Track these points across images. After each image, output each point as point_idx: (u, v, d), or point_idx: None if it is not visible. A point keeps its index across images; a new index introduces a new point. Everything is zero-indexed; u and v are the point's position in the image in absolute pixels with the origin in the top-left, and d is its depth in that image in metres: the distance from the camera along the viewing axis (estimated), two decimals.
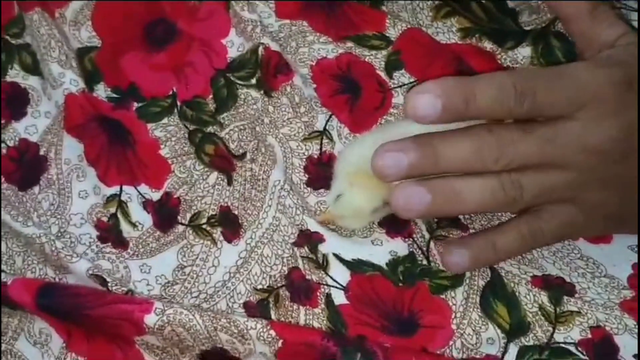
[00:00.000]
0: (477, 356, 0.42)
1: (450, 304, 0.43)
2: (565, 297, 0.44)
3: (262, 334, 0.42)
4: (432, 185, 0.40)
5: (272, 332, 0.42)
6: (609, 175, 0.41)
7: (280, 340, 0.41)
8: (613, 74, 0.41)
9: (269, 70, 0.49)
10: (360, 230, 0.46)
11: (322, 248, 0.45)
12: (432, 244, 0.45)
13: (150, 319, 0.42)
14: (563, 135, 0.40)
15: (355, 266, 0.44)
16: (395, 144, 0.40)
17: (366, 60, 0.50)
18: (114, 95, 0.50)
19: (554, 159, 0.40)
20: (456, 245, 0.42)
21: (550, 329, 0.43)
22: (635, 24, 0.50)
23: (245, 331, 0.42)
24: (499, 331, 0.43)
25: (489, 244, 0.42)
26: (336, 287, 0.44)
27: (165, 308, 0.42)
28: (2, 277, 0.45)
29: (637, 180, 0.42)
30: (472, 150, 0.39)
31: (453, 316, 0.43)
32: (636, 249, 0.46)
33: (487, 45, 0.50)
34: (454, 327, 0.43)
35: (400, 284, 0.44)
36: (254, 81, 0.50)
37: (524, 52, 0.50)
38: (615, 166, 0.41)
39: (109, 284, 0.45)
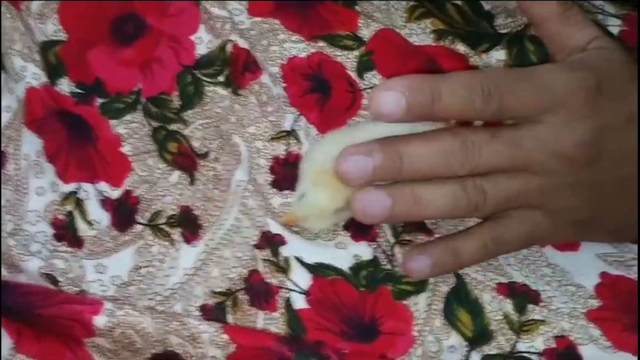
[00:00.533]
0: None
1: (413, 310, 0.42)
2: (530, 306, 0.43)
3: (214, 337, 0.41)
4: (393, 190, 0.39)
5: (225, 336, 0.41)
6: (577, 180, 0.40)
7: (233, 345, 0.40)
8: (583, 78, 0.40)
9: (237, 68, 0.48)
10: (324, 233, 0.45)
11: (284, 251, 0.44)
12: (396, 249, 0.44)
13: (99, 320, 0.41)
14: (530, 139, 0.39)
15: (317, 270, 0.43)
16: (360, 147, 0.39)
17: (337, 60, 0.49)
18: (78, 91, 0.49)
19: (520, 164, 0.39)
20: (417, 251, 0.41)
21: (514, 337, 0.42)
22: (611, 29, 0.49)
23: (197, 334, 0.41)
24: (461, 339, 0.42)
25: (451, 251, 0.41)
26: (297, 291, 0.43)
27: (115, 309, 0.41)
28: None
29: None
30: (437, 155, 0.38)
31: (415, 323, 0.42)
32: (605, 258, 0.45)
33: (461, 47, 0.49)
34: (415, 333, 0.42)
35: (363, 289, 0.43)
36: (221, 78, 0.49)
37: (498, 55, 0.49)
38: (584, 172, 0.40)
39: (61, 284, 0.44)
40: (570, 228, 0.42)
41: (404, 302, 0.43)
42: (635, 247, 0.45)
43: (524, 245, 0.43)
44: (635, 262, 0.44)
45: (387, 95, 0.37)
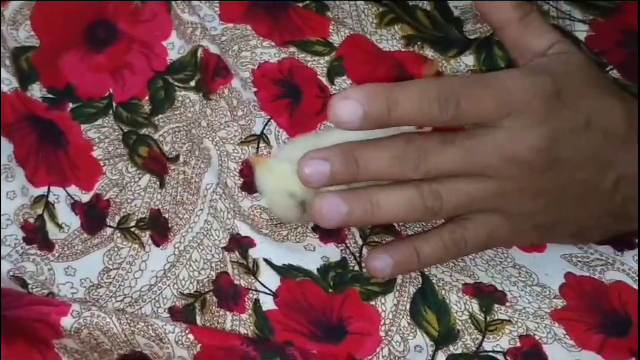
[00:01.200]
0: None
1: (380, 310, 0.43)
2: (496, 306, 0.43)
3: (180, 337, 0.41)
4: (350, 195, 0.40)
5: (191, 336, 0.41)
6: (533, 185, 0.41)
7: (199, 345, 0.40)
8: (541, 83, 0.40)
9: (208, 73, 0.49)
10: (293, 235, 0.45)
11: (253, 253, 0.44)
12: (364, 250, 0.44)
13: (66, 322, 0.41)
14: (485, 143, 0.40)
15: (286, 271, 0.43)
16: (319, 151, 0.40)
17: (308, 65, 0.49)
18: (50, 96, 0.49)
19: (474, 169, 0.40)
20: (380, 251, 0.42)
21: (480, 337, 0.42)
22: (578, 34, 0.50)
23: (163, 335, 0.41)
24: (427, 339, 0.42)
25: (412, 251, 0.42)
26: (265, 293, 0.43)
27: (82, 310, 0.41)
28: None
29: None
30: (390, 159, 0.39)
31: (382, 323, 0.42)
32: (570, 259, 0.45)
33: (429, 53, 0.50)
34: (382, 334, 0.42)
35: (331, 290, 0.43)
36: (193, 83, 0.49)
37: (467, 60, 0.50)
38: (541, 176, 0.40)
39: (30, 286, 0.44)
40: (530, 231, 0.43)
41: (371, 302, 0.43)
42: (600, 248, 0.45)
43: (484, 247, 0.43)
44: (600, 263, 0.45)
45: (344, 104, 0.38)
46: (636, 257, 0.45)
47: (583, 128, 0.41)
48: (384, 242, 0.45)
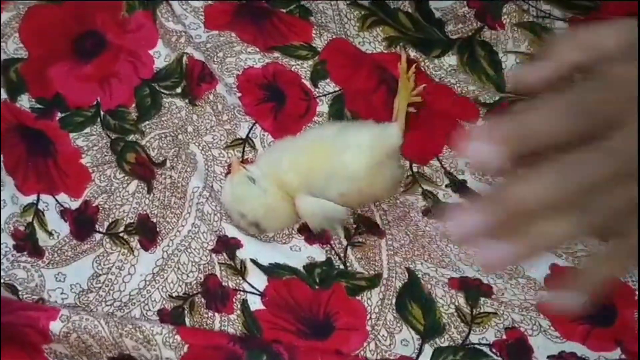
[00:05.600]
0: (392, 357, 0.42)
1: (366, 305, 0.43)
2: (482, 299, 0.43)
3: (167, 339, 0.41)
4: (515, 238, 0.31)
5: (178, 337, 0.41)
6: None
7: (186, 345, 0.41)
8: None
9: (193, 79, 0.49)
10: (279, 237, 0.46)
11: (240, 254, 0.45)
12: (349, 250, 0.45)
13: (55, 326, 0.41)
14: (624, 140, 0.31)
15: (272, 271, 0.44)
16: (470, 207, 0.31)
17: (292, 69, 0.50)
18: (38, 106, 0.50)
19: (624, 170, 0.31)
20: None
21: (466, 329, 0.42)
22: (558, 32, 0.51)
23: (150, 337, 0.41)
24: (412, 332, 0.42)
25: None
26: (253, 293, 0.44)
27: (71, 315, 0.41)
28: None
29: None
30: (552, 187, 0.31)
31: (368, 317, 0.43)
32: (554, 250, 0.45)
33: (412, 53, 0.51)
34: (368, 328, 0.42)
35: (317, 287, 0.44)
36: (179, 90, 0.50)
37: (450, 60, 0.50)
38: None
39: (20, 293, 0.44)
40: None
41: (357, 297, 0.43)
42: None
43: None
44: (584, 254, 0.45)
45: (480, 147, 0.30)
46: None
47: None
48: (368, 242, 0.45)
